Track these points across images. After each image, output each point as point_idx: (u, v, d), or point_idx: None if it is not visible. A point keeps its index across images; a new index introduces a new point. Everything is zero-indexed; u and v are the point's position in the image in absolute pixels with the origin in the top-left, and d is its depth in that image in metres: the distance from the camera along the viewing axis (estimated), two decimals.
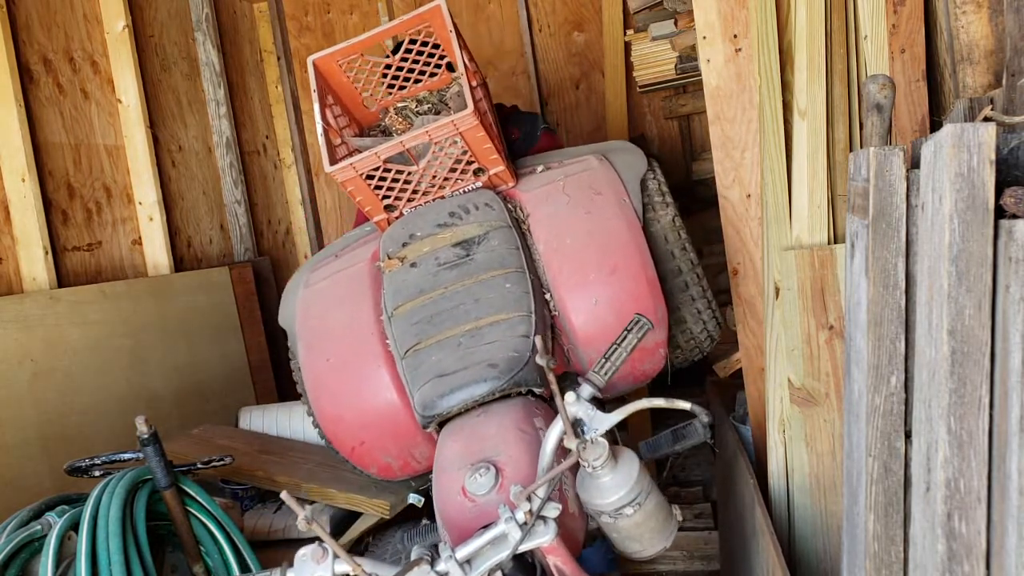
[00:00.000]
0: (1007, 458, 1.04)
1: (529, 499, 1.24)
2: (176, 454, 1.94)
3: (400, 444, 1.83)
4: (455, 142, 1.93)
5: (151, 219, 3.23)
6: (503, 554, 1.24)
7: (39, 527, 1.63)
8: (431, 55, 2.19)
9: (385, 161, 1.92)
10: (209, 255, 3.65)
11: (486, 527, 1.26)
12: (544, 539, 1.25)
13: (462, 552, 1.23)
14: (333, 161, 1.95)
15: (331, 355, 1.84)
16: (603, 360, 1.43)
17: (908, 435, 1.27)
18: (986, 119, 1.20)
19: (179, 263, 3.35)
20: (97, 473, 1.92)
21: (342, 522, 2.20)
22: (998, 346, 1.07)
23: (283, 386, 3.66)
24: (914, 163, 1.25)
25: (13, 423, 2.40)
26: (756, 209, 2.08)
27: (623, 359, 1.44)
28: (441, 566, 1.22)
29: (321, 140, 1.98)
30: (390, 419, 1.79)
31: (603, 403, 1.86)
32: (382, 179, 1.97)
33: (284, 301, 2.14)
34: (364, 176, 1.94)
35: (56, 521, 1.63)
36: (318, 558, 1.24)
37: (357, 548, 2.25)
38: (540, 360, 1.27)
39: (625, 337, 1.46)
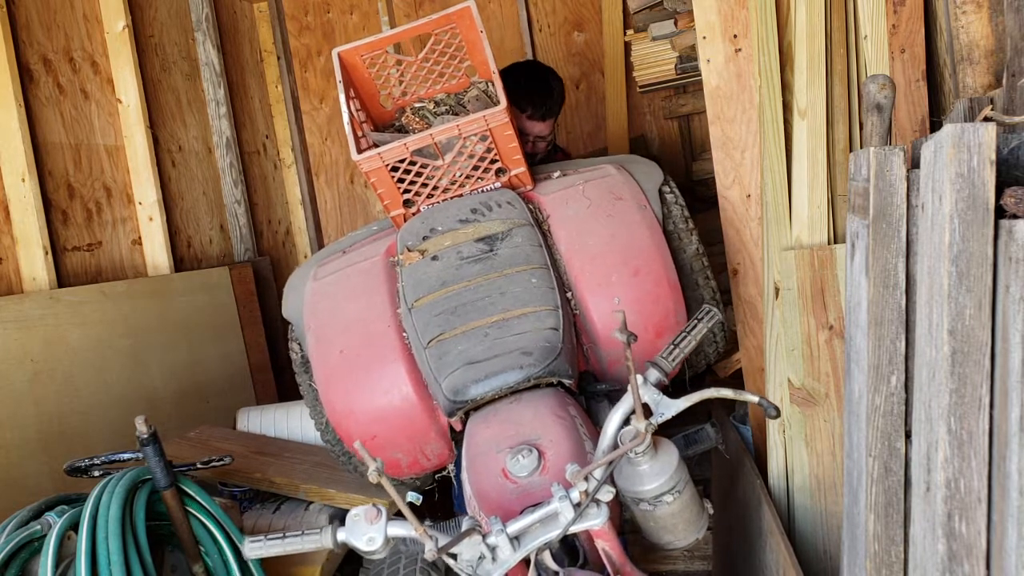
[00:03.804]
0: (1007, 458, 1.04)
1: (586, 479, 1.23)
2: (173, 456, 1.94)
3: (412, 440, 1.82)
4: (482, 139, 1.95)
5: (151, 219, 3.22)
6: (553, 533, 1.24)
7: (39, 527, 1.63)
8: (452, 58, 2.19)
9: (411, 154, 1.94)
10: (209, 255, 3.65)
11: (535, 506, 1.27)
12: (596, 522, 1.25)
13: (513, 527, 1.23)
14: (359, 151, 1.96)
15: (344, 347, 1.83)
16: (671, 346, 1.43)
17: (908, 435, 1.27)
18: (986, 119, 1.20)
19: (179, 263, 3.35)
20: (97, 473, 1.92)
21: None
22: (998, 346, 1.07)
23: (283, 387, 3.66)
24: (914, 163, 1.25)
25: (13, 423, 2.39)
26: (756, 209, 2.08)
27: (691, 347, 1.44)
28: (492, 539, 1.23)
29: (348, 129, 1.98)
30: (404, 414, 1.78)
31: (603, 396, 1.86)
32: (406, 172, 1.98)
33: (289, 293, 2.13)
34: (389, 167, 1.95)
35: (56, 521, 1.63)
36: (371, 518, 1.24)
37: None
38: (619, 335, 1.24)
39: (695, 326, 1.46)
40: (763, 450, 2.01)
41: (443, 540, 1.22)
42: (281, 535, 1.28)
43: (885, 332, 1.27)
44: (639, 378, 1.33)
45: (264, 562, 1.89)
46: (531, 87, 2.58)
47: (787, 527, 1.89)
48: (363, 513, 1.25)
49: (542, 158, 2.68)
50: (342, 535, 1.25)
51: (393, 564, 2.05)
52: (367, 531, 1.23)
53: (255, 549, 1.27)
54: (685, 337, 1.44)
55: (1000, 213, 1.06)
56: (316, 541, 1.26)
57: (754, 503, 1.91)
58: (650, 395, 1.34)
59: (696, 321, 1.46)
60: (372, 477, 1.17)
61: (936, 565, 1.13)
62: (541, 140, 2.65)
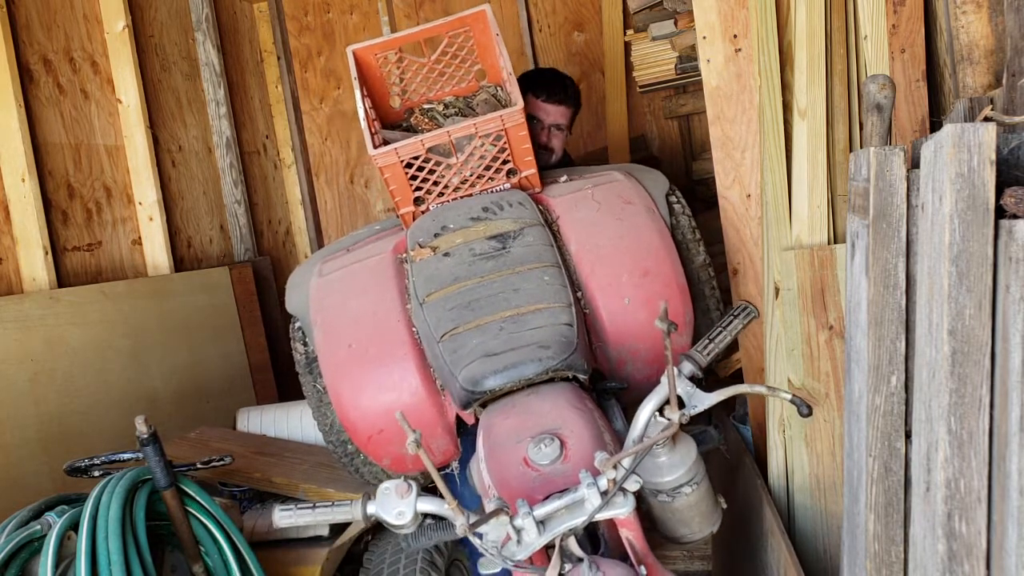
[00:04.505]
0: (1007, 458, 1.04)
1: (615, 468, 1.24)
2: (173, 456, 1.94)
3: None
4: (496, 139, 1.98)
5: (151, 219, 3.22)
6: (579, 519, 1.24)
7: (39, 527, 1.63)
8: (463, 61, 2.22)
9: (426, 151, 1.96)
10: (209, 255, 3.65)
11: (561, 493, 1.27)
12: (622, 510, 1.26)
13: (540, 511, 1.24)
14: (374, 147, 1.97)
15: (353, 341, 1.84)
16: (706, 341, 1.44)
17: (908, 435, 1.27)
18: (986, 119, 1.20)
19: (179, 263, 3.35)
20: (97, 473, 1.92)
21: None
22: (998, 346, 1.07)
23: (283, 387, 3.66)
24: (914, 163, 1.25)
25: (13, 423, 2.39)
26: (756, 209, 2.08)
27: (727, 342, 1.45)
28: (518, 521, 1.23)
29: (363, 125, 2.00)
30: (412, 408, 1.79)
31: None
32: (419, 169, 2.00)
33: (292, 288, 2.14)
34: (404, 164, 1.97)
35: (56, 521, 1.63)
36: (402, 492, 1.25)
37: (357, 547, 2.25)
38: (660, 324, 1.24)
39: (731, 321, 1.46)
40: (763, 450, 2.01)
41: (473, 518, 1.23)
42: (312, 505, 1.29)
43: (885, 332, 1.27)
44: (673, 371, 1.33)
45: (264, 562, 1.89)
46: (546, 76, 2.74)
47: (787, 527, 1.89)
48: (393, 487, 1.26)
49: (556, 163, 2.69)
50: (372, 508, 1.26)
51: (393, 564, 2.06)
52: (397, 505, 1.25)
53: (286, 517, 1.28)
54: (720, 331, 1.45)
55: (1000, 213, 1.06)
56: (346, 513, 1.27)
57: (754, 503, 1.91)
58: (683, 387, 1.35)
59: (732, 317, 1.47)
60: (411, 448, 1.17)
61: (936, 565, 1.13)
62: (557, 131, 2.66)
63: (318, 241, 4.39)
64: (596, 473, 1.26)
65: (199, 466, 1.96)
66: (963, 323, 1.08)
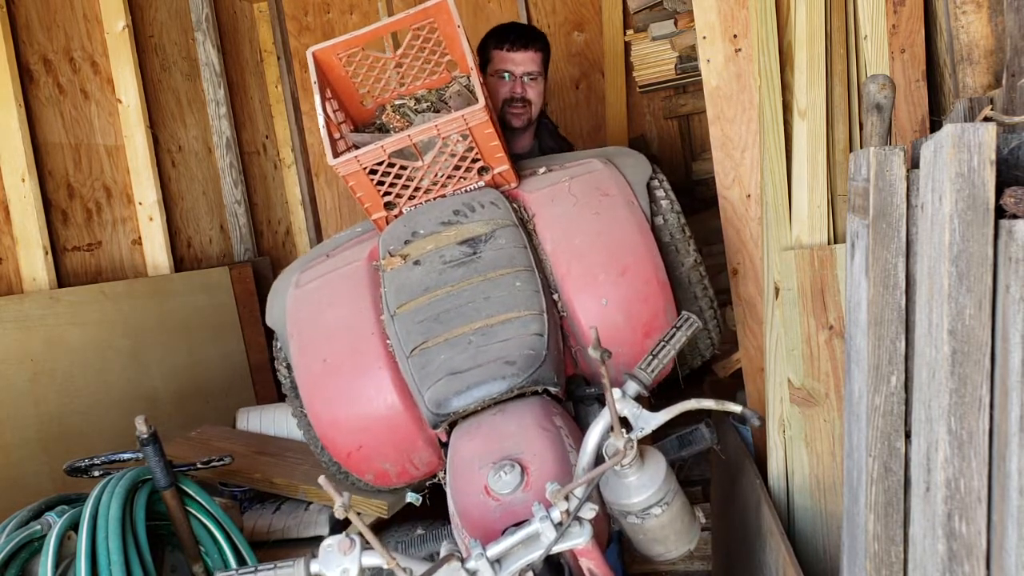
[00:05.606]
0: (1007, 458, 1.04)
1: (567, 498, 1.21)
2: (174, 456, 1.95)
3: (399, 449, 1.79)
4: (462, 138, 1.90)
5: (151, 219, 3.22)
6: (535, 554, 1.21)
7: (39, 527, 1.63)
8: (432, 53, 2.15)
9: (389, 155, 1.89)
10: (209, 255, 3.65)
11: (517, 525, 1.24)
12: (579, 541, 1.22)
13: (493, 550, 1.20)
14: (336, 155, 1.92)
15: (328, 355, 1.80)
16: (650, 357, 1.40)
17: (908, 435, 1.27)
18: (986, 119, 1.20)
19: (179, 263, 3.35)
20: (97, 473, 1.92)
21: (339, 523, 2.20)
22: (998, 346, 1.07)
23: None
24: (914, 163, 1.25)
25: (13, 423, 2.39)
26: (756, 209, 2.08)
27: (671, 356, 1.41)
28: (471, 564, 1.19)
29: (323, 132, 1.94)
30: (389, 422, 1.75)
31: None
32: (385, 174, 1.93)
33: (272, 301, 2.09)
34: (367, 171, 1.91)
35: (56, 521, 1.63)
36: (345, 549, 1.21)
37: None
38: (593, 352, 1.22)
39: (674, 334, 1.42)
40: (763, 450, 2.01)
41: (419, 570, 1.19)
42: (253, 569, 1.25)
43: (885, 332, 1.27)
44: (617, 392, 1.30)
45: (264, 562, 1.89)
46: (505, 26, 2.63)
47: (787, 527, 1.89)
48: (336, 544, 1.22)
49: (538, 117, 2.61)
50: (315, 567, 1.21)
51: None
52: (341, 562, 1.20)
53: None
54: (664, 347, 1.41)
55: (1000, 213, 1.06)
56: (289, 574, 1.24)
57: (754, 503, 1.91)
58: (629, 409, 1.31)
59: (675, 329, 1.43)
60: (338, 513, 1.14)
61: (936, 565, 1.13)
62: (532, 80, 2.51)
63: (318, 241, 4.39)
64: (550, 504, 1.22)
65: (199, 466, 1.96)
66: (963, 323, 1.08)
